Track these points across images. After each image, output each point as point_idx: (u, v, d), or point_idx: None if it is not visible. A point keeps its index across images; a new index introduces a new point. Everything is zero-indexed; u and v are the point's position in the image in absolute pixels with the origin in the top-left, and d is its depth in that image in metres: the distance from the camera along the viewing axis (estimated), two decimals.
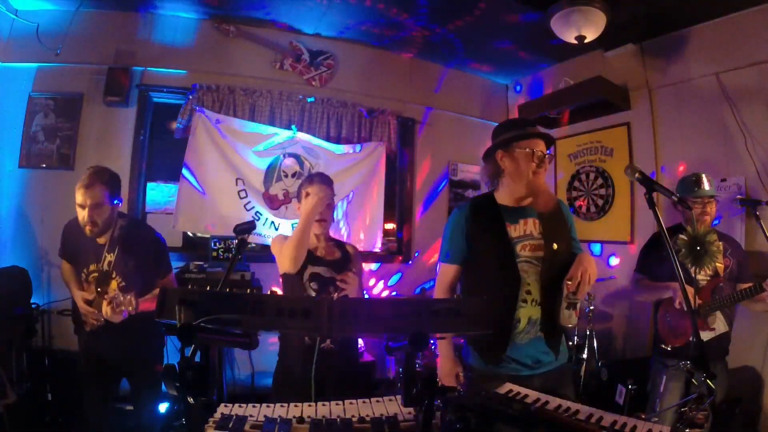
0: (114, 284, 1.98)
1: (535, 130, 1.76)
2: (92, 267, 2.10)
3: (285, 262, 1.90)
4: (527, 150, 1.69)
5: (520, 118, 1.93)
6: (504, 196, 1.79)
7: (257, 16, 3.71)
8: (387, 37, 4.01)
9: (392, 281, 4.32)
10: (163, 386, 2.54)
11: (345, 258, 2.10)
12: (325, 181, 2.08)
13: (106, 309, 1.88)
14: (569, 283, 1.56)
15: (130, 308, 1.88)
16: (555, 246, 1.69)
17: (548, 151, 1.75)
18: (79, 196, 2.00)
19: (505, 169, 1.75)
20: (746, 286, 2.15)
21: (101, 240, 2.10)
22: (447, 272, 1.85)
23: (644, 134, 3.65)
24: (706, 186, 2.33)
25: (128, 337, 2.08)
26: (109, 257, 2.08)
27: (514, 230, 1.72)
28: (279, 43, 3.92)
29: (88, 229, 2.02)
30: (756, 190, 2.92)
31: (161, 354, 2.40)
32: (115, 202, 2.10)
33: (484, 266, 1.74)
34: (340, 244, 2.18)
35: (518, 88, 4.84)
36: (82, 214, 2.01)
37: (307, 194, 2.01)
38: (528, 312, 1.67)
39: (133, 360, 2.17)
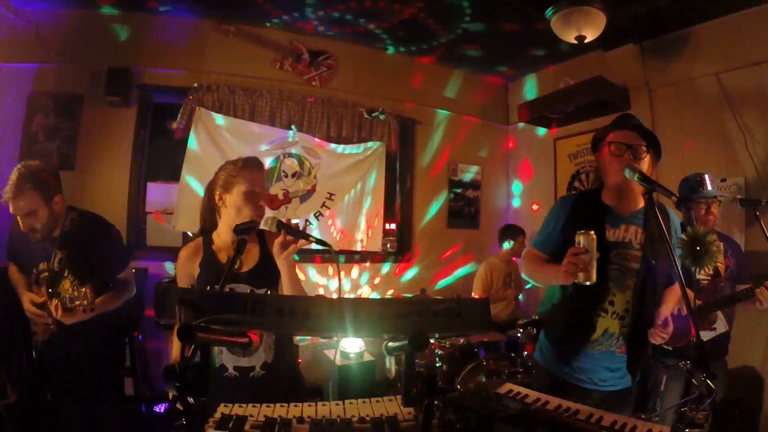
0: (67, 284, 1.80)
1: (623, 119, 1.66)
2: (42, 266, 1.91)
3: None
4: (605, 142, 1.61)
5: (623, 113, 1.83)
6: (607, 195, 1.68)
7: (257, 16, 3.71)
8: (387, 36, 4.01)
9: (392, 281, 4.32)
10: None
11: (265, 259, 1.63)
12: (257, 165, 1.69)
13: (56, 307, 1.71)
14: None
15: (85, 302, 1.69)
16: (653, 262, 1.56)
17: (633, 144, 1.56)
18: (10, 207, 1.80)
19: (601, 168, 1.67)
20: (744, 287, 2.15)
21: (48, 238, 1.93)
22: (531, 255, 1.78)
23: None
24: (710, 186, 2.33)
25: (83, 345, 1.91)
26: (60, 254, 1.89)
27: (612, 234, 1.60)
28: (279, 43, 3.92)
29: (31, 236, 1.87)
30: (756, 190, 2.92)
31: (117, 371, 2.21)
32: (53, 199, 1.88)
33: None
34: (260, 238, 1.69)
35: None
36: (20, 222, 1.84)
37: (249, 190, 1.60)
38: (606, 323, 1.60)
39: (85, 376, 1.94)
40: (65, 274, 1.84)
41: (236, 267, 1.56)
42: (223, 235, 1.65)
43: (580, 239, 1.43)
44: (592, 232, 1.42)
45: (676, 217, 1.69)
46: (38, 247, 1.91)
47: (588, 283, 1.42)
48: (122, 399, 2.21)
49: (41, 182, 1.83)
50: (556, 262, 1.65)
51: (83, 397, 1.99)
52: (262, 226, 1.50)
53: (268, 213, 1.62)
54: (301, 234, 1.44)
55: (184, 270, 1.63)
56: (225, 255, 1.61)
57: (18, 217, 1.83)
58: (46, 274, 1.89)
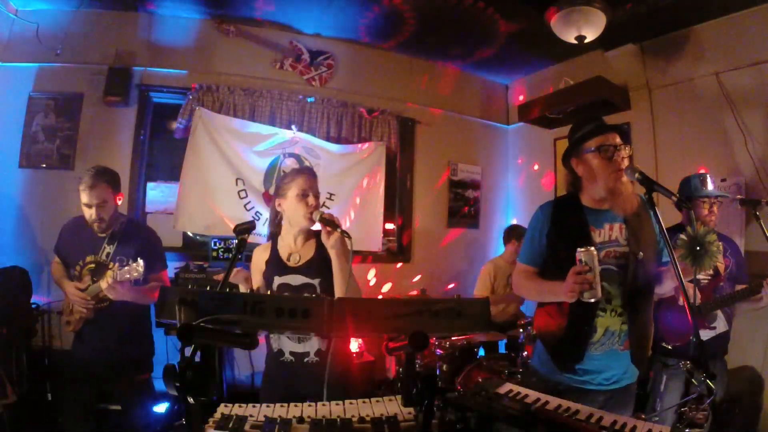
0: (110, 274, 2.03)
1: (600, 122, 1.67)
2: (89, 258, 2.18)
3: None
4: (594, 146, 1.60)
5: (587, 116, 1.82)
6: (586, 198, 1.69)
7: (257, 16, 3.71)
8: (387, 36, 4.01)
9: (392, 281, 4.32)
10: (159, 389, 2.53)
11: (320, 255, 1.82)
12: (307, 171, 1.89)
13: (108, 277, 1.99)
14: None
15: (136, 274, 1.95)
16: (640, 255, 1.58)
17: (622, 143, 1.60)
18: (85, 197, 2.10)
19: (582, 175, 1.67)
20: (742, 286, 2.16)
21: (102, 234, 2.19)
22: (522, 272, 1.79)
23: (644, 134, 3.65)
24: (712, 186, 2.33)
25: (114, 336, 2.16)
26: (108, 248, 2.18)
27: (599, 235, 1.62)
28: (279, 43, 3.92)
29: (96, 226, 2.13)
30: (756, 190, 2.92)
31: (149, 360, 2.33)
32: (118, 199, 2.23)
33: (565, 270, 1.52)
34: (317, 238, 1.89)
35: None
36: (89, 213, 2.12)
37: (303, 194, 1.80)
38: (606, 322, 1.60)
39: (117, 364, 2.15)
40: (110, 266, 2.12)
41: (296, 262, 1.83)
42: (285, 237, 1.90)
43: (582, 257, 1.42)
44: (593, 248, 1.42)
45: None
46: (87, 242, 2.19)
47: (593, 300, 1.43)
48: (149, 391, 2.37)
49: (113, 180, 2.19)
50: (546, 274, 1.68)
51: (114, 387, 2.25)
52: (315, 221, 1.78)
53: (297, 210, 1.81)
54: (332, 224, 1.68)
55: (256, 265, 1.91)
56: (286, 252, 1.87)
57: (87, 210, 2.11)
58: (93, 265, 2.17)
